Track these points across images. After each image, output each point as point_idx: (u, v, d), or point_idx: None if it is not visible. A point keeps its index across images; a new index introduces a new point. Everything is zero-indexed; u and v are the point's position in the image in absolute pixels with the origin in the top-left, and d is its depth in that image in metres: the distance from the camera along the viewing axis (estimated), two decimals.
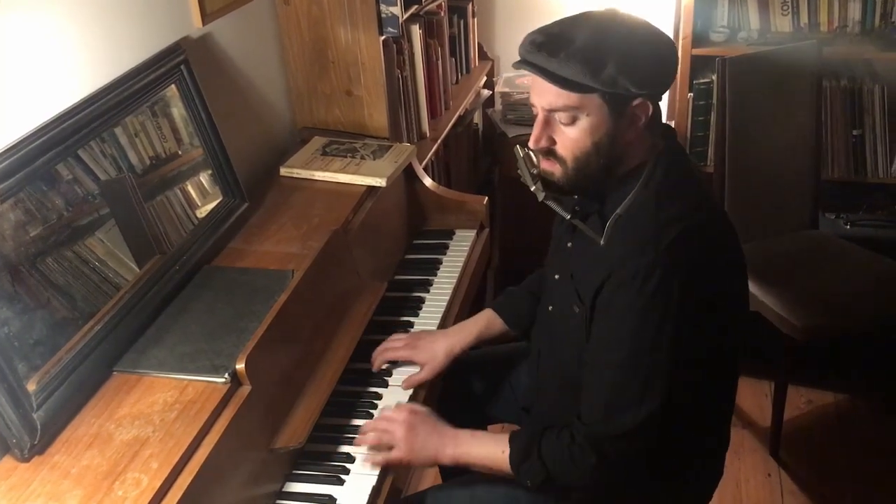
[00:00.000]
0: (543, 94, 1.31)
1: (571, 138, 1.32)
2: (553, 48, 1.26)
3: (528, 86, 1.51)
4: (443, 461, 1.48)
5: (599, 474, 1.36)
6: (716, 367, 1.42)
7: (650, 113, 1.32)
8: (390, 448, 1.46)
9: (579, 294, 1.41)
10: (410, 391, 1.63)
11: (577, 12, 1.35)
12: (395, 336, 1.72)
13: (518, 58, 1.33)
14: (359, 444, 1.49)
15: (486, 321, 1.72)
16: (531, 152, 1.39)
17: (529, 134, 1.38)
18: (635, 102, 1.29)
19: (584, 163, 1.34)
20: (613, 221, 1.34)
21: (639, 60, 1.27)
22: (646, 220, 1.32)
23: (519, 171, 1.44)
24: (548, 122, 1.34)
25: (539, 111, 1.34)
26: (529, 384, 1.69)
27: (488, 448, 1.45)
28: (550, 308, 1.53)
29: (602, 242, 1.35)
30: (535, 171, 1.41)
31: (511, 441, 1.42)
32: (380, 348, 1.69)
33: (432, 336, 1.71)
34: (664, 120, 2.93)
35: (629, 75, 1.25)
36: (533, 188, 1.42)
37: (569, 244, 1.48)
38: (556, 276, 1.51)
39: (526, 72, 1.32)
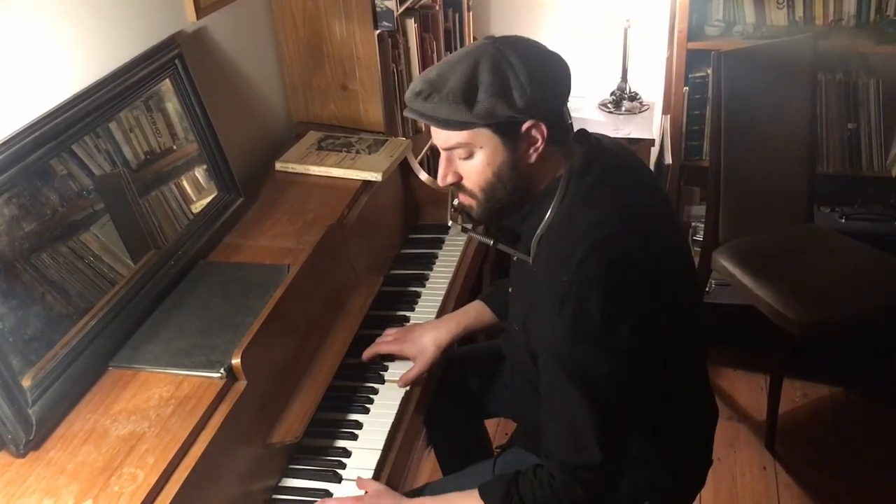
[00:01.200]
0: (437, 135, 1.33)
1: (474, 171, 1.33)
2: (428, 93, 1.27)
3: None
4: None
5: (590, 502, 1.34)
6: (671, 362, 1.38)
7: (547, 132, 1.29)
8: None
9: (515, 311, 1.42)
10: (407, 389, 1.62)
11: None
12: (388, 331, 1.72)
13: None
14: None
15: (474, 312, 1.73)
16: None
17: None
18: (525, 126, 1.27)
19: (492, 193, 1.34)
20: (537, 241, 1.35)
21: (514, 85, 1.25)
22: (563, 236, 1.31)
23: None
24: (450, 160, 1.34)
25: (440, 150, 1.35)
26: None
27: None
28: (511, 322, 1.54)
29: (531, 262, 1.36)
30: (456, 204, 1.42)
31: (484, 495, 1.38)
32: (373, 344, 1.69)
33: (421, 329, 1.71)
34: (661, 114, 2.98)
35: (506, 103, 1.24)
36: (450, 224, 1.44)
37: (514, 258, 1.48)
38: (510, 290, 1.54)
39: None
